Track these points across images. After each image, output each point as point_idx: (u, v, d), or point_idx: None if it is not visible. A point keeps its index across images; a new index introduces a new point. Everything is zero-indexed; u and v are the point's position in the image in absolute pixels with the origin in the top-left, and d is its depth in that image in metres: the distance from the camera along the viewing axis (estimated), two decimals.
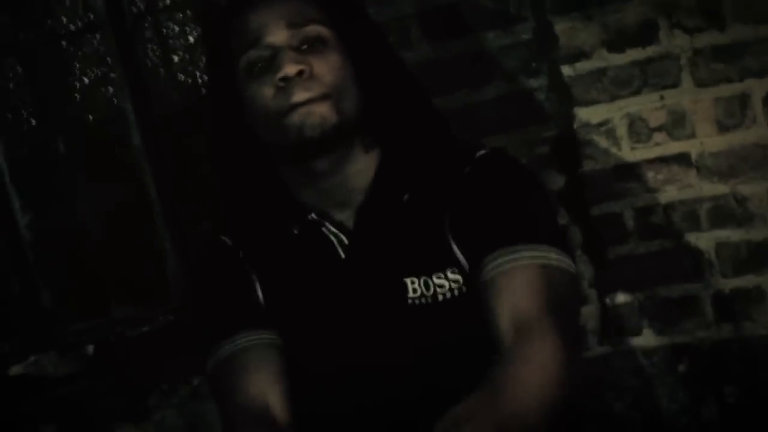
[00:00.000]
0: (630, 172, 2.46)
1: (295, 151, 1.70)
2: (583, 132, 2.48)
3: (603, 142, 2.46)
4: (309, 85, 1.67)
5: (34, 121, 2.52)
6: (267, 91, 1.69)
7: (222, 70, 1.77)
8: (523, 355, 1.56)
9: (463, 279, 1.70)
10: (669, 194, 2.45)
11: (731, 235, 2.40)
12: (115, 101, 2.55)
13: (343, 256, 1.75)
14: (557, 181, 2.51)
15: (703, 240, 2.43)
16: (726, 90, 2.35)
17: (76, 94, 2.51)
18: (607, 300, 2.54)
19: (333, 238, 1.75)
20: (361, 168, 1.75)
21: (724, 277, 2.43)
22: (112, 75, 2.55)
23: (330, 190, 1.76)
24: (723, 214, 2.40)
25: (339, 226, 1.76)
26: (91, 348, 2.63)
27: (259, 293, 1.82)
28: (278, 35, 1.69)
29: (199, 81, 2.53)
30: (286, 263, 1.79)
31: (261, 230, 1.80)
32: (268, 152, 1.77)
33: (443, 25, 2.50)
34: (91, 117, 2.55)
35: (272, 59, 1.69)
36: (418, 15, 2.48)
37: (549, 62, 2.47)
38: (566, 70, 2.46)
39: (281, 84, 1.66)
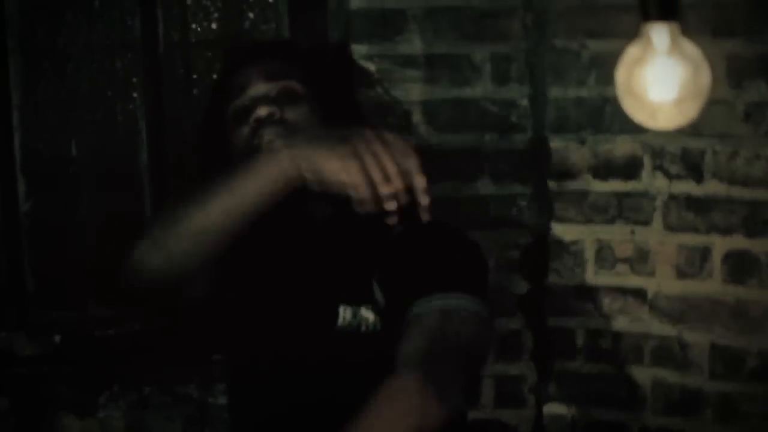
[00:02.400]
0: (589, 293, 2.62)
1: None
2: (554, 246, 2.64)
3: (570, 261, 2.62)
4: (279, 128, 1.98)
5: (54, 121, 2.72)
6: (244, 131, 2.03)
7: (216, 117, 2.11)
8: (390, 396, 1.78)
9: (379, 318, 1.95)
10: (620, 323, 2.60)
11: (669, 376, 2.55)
12: (132, 118, 2.73)
13: (299, 263, 2.02)
14: (520, 287, 2.67)
15: (643, 374, 2.58)
16: (691, 239, 2.50)
17: (98, 104, 2.71)
18: (544, 408, 2.69)
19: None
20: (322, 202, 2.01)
21: (654, 414, 2.58)
22: (134, 94, 2.74)
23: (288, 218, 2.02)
24: (665, 354, 2.55)
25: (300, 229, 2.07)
26: (58, 338, 2.82)
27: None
28: (258, 88, 2.06)
29: None
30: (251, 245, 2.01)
31: None
32: None
33: (446, 116, 2.67)
34: (107, 127, 2.74)
35: (251, 107, 2.03)
36: (424, 102, 2.65)
37: (538, 174, 2.63)
38: (552, 185, 2.62)
39: (254, 125, 2.00)
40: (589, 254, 2.62)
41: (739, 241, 2.45)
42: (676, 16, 1.54)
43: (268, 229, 1.95)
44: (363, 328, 1.96)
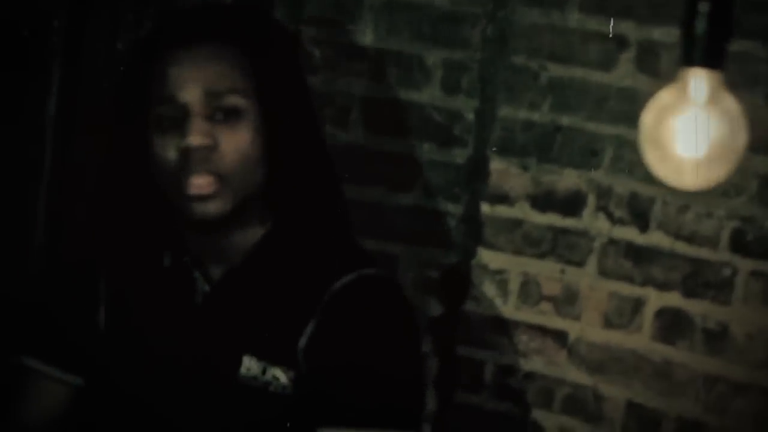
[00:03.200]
0: (507, 328, 2.49)
1: (183, 214, 1.72)
2: (477, 272, 2.50)
3: (492, 290, 2.49)
4: (209, 163, 1.71)
5: None
6: (170, 153, 1.73)
7: (134, 105, 1.80)
8: None
9: (295, 382, 1.76)
10: (534, 364, 2.47)
11: (578, 427, 2.44)
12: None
13: (199, 302, 1.80)
14: (435, 309, 2.52)
15: (550, 421, 2.46)
16: (624, 288, 2.39)
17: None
18: None
19: (199, 284, 1.77)
20: (249, 234, 1.78)
21: None
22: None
23: (213, 246, 1.82)
24: (577, 404, 2.44)
25: (206, 275, 1.80)
26: None
27: (102, 315, 1.85)
28: (193, 97, 1.72)
29: None
30: (143, 291, 1.84)
31: (131, 249, 1.83)
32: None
33: (386, 118, 2.50)
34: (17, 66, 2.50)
35: (182, 120, 1.72)
36: (365, 99, 2.48)
37: (472, 194, 2.48)
38: (485, 208, 2.48)
39: (183, 154, 1.71)
40: (513, 286, 2.48)
41: (675, 299, 2.35)
42: (721, 65, 1.39)
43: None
44: (271, 387, 1.78)
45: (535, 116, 2.45)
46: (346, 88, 2.47)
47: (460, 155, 2.50)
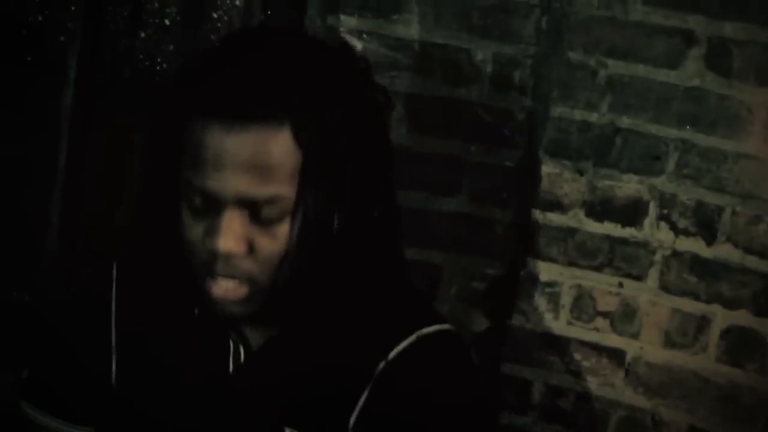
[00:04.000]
0: (557, 345, 2.33)
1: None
2: (526, 284, 2.33)
3: (542, 304, 2.32)
4: (239, 269, 1.42)
5: None
6: (197, 241, 1.44)
7: (163, 165, 1.47)
8: None
9: None
10: (587, 385, 2.31)
11: None
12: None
13: (231, 369, 1.54)
14: (479, 324, 2.36)
15: None
16: (689, 305, 2.22)
17: None
18: None
19: (232, 345, 1.54)
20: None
21: None
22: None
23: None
24: (634, 428, 2.29)
25: (243, 339, 1.55)
26: None
27: (114, 366, 1.60)
28: (228, 196, 1.39)
29: None
30: (164, 346, 1.58)
31: (155, 295, 1.59)
32: None
33: (432, 116, 2.33)
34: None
35: (214, 213, 1.41)
36: (410, 96, 2.31)
37: (522, 199, 2.31)
38: (536, 214, 2.32)
39: (211, 258, 1.43)
40: (566, 301, 2.31)
41: (744, 317, 2.19)
42: None
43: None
44: None
45: (593, 117, 2.28)
46: (389, 83, 2.29)
47: (509, 158, 2.33)
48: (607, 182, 2.28)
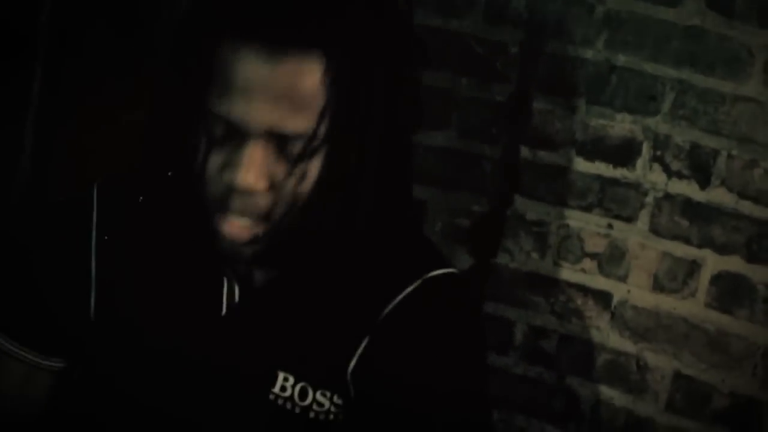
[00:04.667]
0: (542, 285, 2.29)
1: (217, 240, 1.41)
2: (513, 222, 2.29)
3: (528, 243, 2.28)
4: (256, 206, 1.35)
5: None
6: (214, 171, 1.36)
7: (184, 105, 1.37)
8: None
9: (343, 408, 1.46)
10: (572, 327, 2.27)
11: (617, 398, 2.25)
12: None
13: (224, 309, 1.48)
14: (463, 262, 2.31)
15: (587, 390, 2.27)
16: (679, 249, 2.19)
17: None
18: None
19: (226, 284, 1.48)
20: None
21: None
22: None
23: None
24: (618, 372, 2.25)
25: (240, 278, 1.48)
26: None
27: (92, 297, 1.52)
28: (254, 128, 1.31)
29: None
30: (152, 278, 1.49)
31: (151, 222, 1.51)
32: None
33: (419, 46, 2.25)
34: None
35: (237, 144, 1.33)
36: None
37: (512, 136, 2.26)
38: (525, 152, 2.27)
39: (226, 190, 1.35)
40: (553, 241, 2.27)
41: (736, 264, 2.16)
42: None
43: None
44: (311, 413, 1.46)
45: (588, 53, 2.23)
46: None
47: (501, 92, 2.28)
48: (600, 121, 2.23)
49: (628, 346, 2.25)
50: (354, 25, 1.31)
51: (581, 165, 2.25)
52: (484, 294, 2.34)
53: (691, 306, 2.20)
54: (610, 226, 2.25)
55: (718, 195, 2.17)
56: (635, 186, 2.22)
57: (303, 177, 1.34)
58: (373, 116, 1.35)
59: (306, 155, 1.33)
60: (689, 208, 2.19)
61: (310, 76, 1.29)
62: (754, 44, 2.10)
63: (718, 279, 2.17)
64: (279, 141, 1.32)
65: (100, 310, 1.52)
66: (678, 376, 2.22)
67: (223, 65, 1.30)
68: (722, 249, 2.17)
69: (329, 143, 1.33)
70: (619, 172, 2.23)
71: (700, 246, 2.19)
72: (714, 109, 2.15)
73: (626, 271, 2.24)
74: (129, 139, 1.60)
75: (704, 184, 2.17)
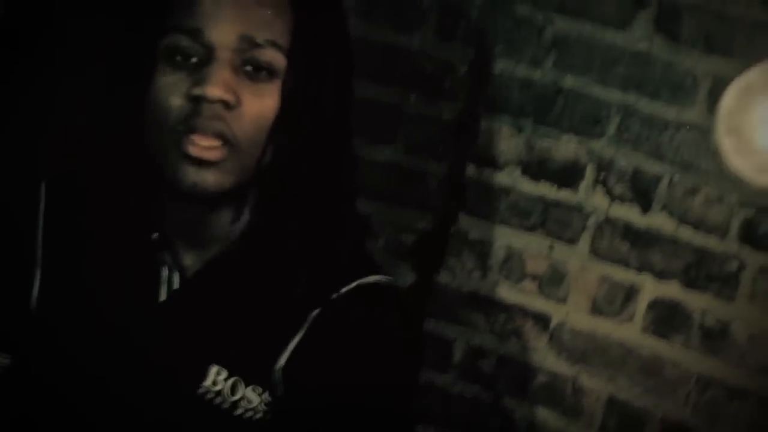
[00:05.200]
0: (482, 304, 2.30)
1: (169, 183, 1.44)
2: (456, 240, 2.30)
3: (470, 262, 2.28)
4: (222, 124, 1.39)
5: None
6: (175, 100, 1.41)
7: (141, 30, 1.46)
8: None
9: (271, 407, 1.48)
10: (510, 347, 2.28)
11: (552, 419, 2.26)
12: None
13: (162, 298, 1.49)
14: (405, 278, 2.31)
15: (522, 411, 2.28)
16: (618, 273, 2.19)
17: None
18: None
19: (165, 273, 1.49)
20: (237, 221, 1.50)
21: None
22: None
23: (191, 227, 1.51)
24: (554, 394, 2.26)
25: (177, 261, 1.50)
26: None
27: (35, 289, 1.53)
28: (225, 39, 1.40)
29: None
30: (95, 267, 1.51)
31: (87, 212, 1.53)
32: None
33: (369, 60, 2.28)
34: None
35: (201, 63, 1.40)
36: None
37: (457, 154, 2.27)
38: (471, 170, 2.28)
39: (194, 98, 1.39)
40: (495, 260, 2.28)
41: (673, 290, 2.17)
42: None
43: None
44: (240, 410, 1.48)
45: (536, 74, 2.24)
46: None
47: (448, 110, 2.29)
48: (546, 142, 2.25)
49: (564, 368, 2.26)
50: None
51: (525, 185, 2.26)
52: (425, 311, 2.34)
53: (628, 330, 2.20)
54: (551, 247, 2.26)
55: (658, 220, 2.18)
56: (578, 208, 2.23)
57: (267, 99, 1.41)
58: (327, 62, 1.46)
59: (268, 76, 1.41)
60: (630, 232, 2.20)
61: (275, 11, 1.42)
62: (699, 71, 2.12)
63: (655, 305, 2.19)
64: (245, 57, 1.39)
65: (42, 300, 1.53)
66: (612, 400, 2.22)
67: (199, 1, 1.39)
68: (660, 275, 2.18)
69: (292, 69, 1.42)
70: (562, 194, 2.24)
71: (639, 270, 2.19)
72: (658, 134, 2.16)
73: (566, 294, 2.25)
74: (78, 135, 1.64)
75: (645, 208, 2.18)
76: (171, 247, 1.50)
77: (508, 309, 2.29)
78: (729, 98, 1.18)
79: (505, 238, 2.28)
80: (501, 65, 2.26)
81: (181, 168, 1.40)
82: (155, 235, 1.51)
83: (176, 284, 1.51)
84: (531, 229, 2.26)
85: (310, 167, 1.46)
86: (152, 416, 1.48)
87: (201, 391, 1.47)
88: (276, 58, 1.42)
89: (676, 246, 2.17)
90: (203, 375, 1.47)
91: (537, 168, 2.26)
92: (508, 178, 2.27)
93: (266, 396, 1.48)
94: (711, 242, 2.14)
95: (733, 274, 2.13)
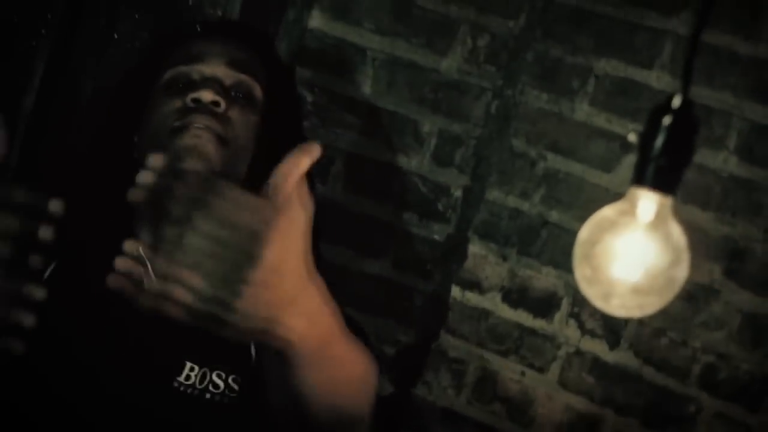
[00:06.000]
0: (454, 421, 2.40)
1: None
2: (435, 357, 2.40)
3: (447, 379, 2.39)
4: (215, 121, 1.68)
5: None
6: (174, 105, 1.71)
7: (141, 79, 1.80)
8: None
9: (239, 392, 1.67)
10: None
11: None
12: (30, 55, 2.43)
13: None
14: (384, 389, 2.42)
15: None
16: (582, 405, 2.28)
17: None
18: None
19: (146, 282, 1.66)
20: None
21: None
22: (42, 30, 2.44)
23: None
24: None
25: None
26: None
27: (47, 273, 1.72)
28: (213, 67, 1.75)
29: None
30: (83, 282, 1.69)
31: (81, 231, 1.71)
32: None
33: (370, 179, 2.42)
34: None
35: (196, 84, 1.71)
36: (352, 156, 2.40)
37: (444, 274, 2.39)
38: (456, 291, 2.39)
39: (191, 104, 1.69)
40: (469, 380, 2.38)
41: (633, 427, 2.24)
42: (674, 191, 1.30)
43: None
44: (208, 395, 1.67)
45: (525, 206, 2.36)
46: (333, 139, 2.39)
47: (439, 232, 2.41)
48: (528, 271, 2.35)
49: None
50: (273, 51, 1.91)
51: (505, 311, 2.37)
52: (399, 422, 2.44)
53: None
54: (523, 373, 2.35)
55: (624, 358, 2.27)
56: (551, 338, 2.33)
57: (248, 118, 1.73)
58: (287, 109, 1.84)
59: (249, 102, 1.74)
60: (597, 366, 2.29)
61: (247, 48, 1.81)
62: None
63: None
64: (231, 84, 1.74)
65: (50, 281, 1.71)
66: None
67: (186, 42, 1.79)
68: (622, 411, 2.26)
69: (268, 100, 1.77)
70: (538, 323, 2.34)
71: (602, 404, 2.28)
72: None
73: (532, 419, 2.34)
74: None
75: (614, 345, 2.27)
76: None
77: (477, 428, 2.38)
78: (586, 230, 1.29)
79: (481, 359, 2.38)
80: (493, 194, 2.38)
81: (178, 138, 1.67)
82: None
83: None
84: (506, 353, 2.36)
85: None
86: (138, 407, 1.66)
87: (175, 384, 1.66)
88: (254, 86, 1.77)
89: (640, 384, 2.25)
90: (179, 371, 1.66)
91: (517, 295, 2.36)
92: (490, 302, 2.38)
93: (231, 381, 1.67)
94: (672, 383, 2.22)
95: (691, 415, 2.21)
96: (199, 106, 1.69)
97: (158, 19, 2.46)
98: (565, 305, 2.32)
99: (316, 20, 2.41)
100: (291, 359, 1.33)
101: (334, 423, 1.48)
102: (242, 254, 1.20)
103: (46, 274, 1.74)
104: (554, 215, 2.34)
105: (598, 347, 2.29)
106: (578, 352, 2.31)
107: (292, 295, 1.26)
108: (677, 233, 1.31)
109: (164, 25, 2.43)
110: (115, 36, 2.47)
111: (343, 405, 1.48)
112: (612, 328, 2.28)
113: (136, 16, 2.47)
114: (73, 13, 2.43)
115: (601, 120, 2.30)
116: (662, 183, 1.30)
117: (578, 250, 1.32)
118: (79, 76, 2.48)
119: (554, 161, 2.34)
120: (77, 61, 2.47)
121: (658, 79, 2.26)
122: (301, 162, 1.25)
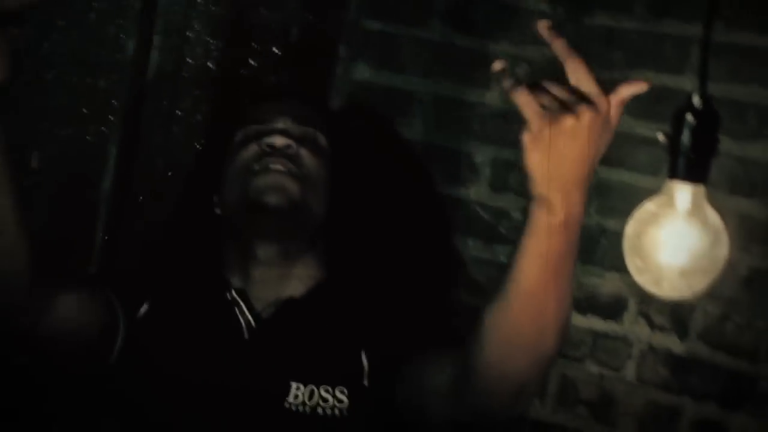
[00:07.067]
0: (544, 430, 2.53)
1: (249, 214, 1.91)
2: None
3: None
4: (289, 162, 1.93)
5: (21, 127, 2.62)
6: (251, 151, 1.96)
7: (217, 142, 2.07)
8: None
9: (349, 403, 1.86)
10: None
11: None
12: (103, 140, 2.62)
13: (246, 336, 1.91)
14: None
15: None
16: (662, 397, 2.42)
17: (71, 119, 2.61)
18: None
19: (242, 318, 1.91)
20: (300, 279, 1.97)
21: None
22: (111, 117, 2.63)
23: (260, 283, 1.95)
24: None
25: (252, 311, 1.93)
26: None
27: (119, 341, 1.92)
28: (282, 122, 1.99)
29: None
30: (181, 324, 1.93)
31: (172, 280, 1.99)
32: (218, 225, 2.00)
33: (436, 213, 2.58)
34: (74, 145, 2.63)
35: (268, 134, 1.96)
36: (427, 192, 2.56)
37: None
38: None
39: (267, 149, 1.93)
40: (552, 390, 2.53)
41: (712, 411, 2.38)
42: (705, 179, 1.46)
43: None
44: (320, 410, 1.87)
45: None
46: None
47: (503, 253, 2.57)
48: (593, 279, 2.51)
49: None
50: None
51: (576, 319, 2.52)
52: None
53: None
54: (602, 376, 2.50)
55: (695, 347, 2.41)
56: (623, 338, 2.48)
57: (317, 161, 1.99)
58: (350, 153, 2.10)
59: (316, 151, 2.00)
60: (671, 359, 2.43)
61: (311, 107, 2.13)
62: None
63: (697, 425, 2.40)
64: (301, 132, 2.01)
65: (126, 351, 1.93)
66: None
67: (263, 108, 2.09)
68: (700, 397, 2.40)
69: (330, 151, 2.04)
70: (609, 326, 2.50)
71: (680, 394, 2.42)
72: None
73: (615, 418, 2.48)
74: None
75: (683, 336, 2.42)
76: (246, 301, 1.94)
77: None
78: (631, 226, 1.47)
79: (560, 368, 2.54)
80: None
81: (257, 178, 1.94)
82: (231, 294, 1.95)
83: (253, 324, 1.93)
84: (582, 359, 2.52)
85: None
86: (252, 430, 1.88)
87: (286, 405, 1.86)
88: (319, 136, 2.03)
89: (714, 370, 2.39)
90: (287, 392, 1.86)
91: (586, 303, 2.52)
92: None
93: (338, 392, 1.87)
94: (743, 365, 2.36)
95: (765, 393, 2.34)
96: (274, 151, 1.95)
97: (216, 93, 2.66)
98: (632, 305, 2.47)
99: (362, 72, 2.59)
100: (553, 228, 1.56)
101: (519, 355, 1.62)
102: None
103: (141, 312, 1.96)
104: (611, 223, 2.49)
105: (668, 340, 2.44)
106: (651, 348, 2.45)
107: (584, 180, 1.50)
108: (713, 216, 1.47)
109: (222, 97, 2.63)
110: (178, 113, 2.67)
111: (539, 334, 1.63)
112: (679, 321, 2.42)
113: (196, 92, 2.67)
114: (137, 99, 2.63)
115: (641, 128, 2.45)
116: (693, 173, 1.46)
117: (627, 244, 1.48)
118: (150, 154, 2.67)
119: (604, 172, 2.49)
120: (145, 141, 2.66)
121: (690, 82, 2.41)
122: (632, 87, 1.45)
